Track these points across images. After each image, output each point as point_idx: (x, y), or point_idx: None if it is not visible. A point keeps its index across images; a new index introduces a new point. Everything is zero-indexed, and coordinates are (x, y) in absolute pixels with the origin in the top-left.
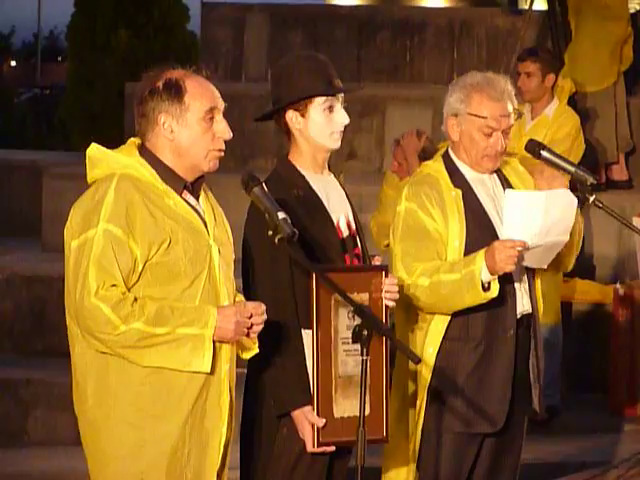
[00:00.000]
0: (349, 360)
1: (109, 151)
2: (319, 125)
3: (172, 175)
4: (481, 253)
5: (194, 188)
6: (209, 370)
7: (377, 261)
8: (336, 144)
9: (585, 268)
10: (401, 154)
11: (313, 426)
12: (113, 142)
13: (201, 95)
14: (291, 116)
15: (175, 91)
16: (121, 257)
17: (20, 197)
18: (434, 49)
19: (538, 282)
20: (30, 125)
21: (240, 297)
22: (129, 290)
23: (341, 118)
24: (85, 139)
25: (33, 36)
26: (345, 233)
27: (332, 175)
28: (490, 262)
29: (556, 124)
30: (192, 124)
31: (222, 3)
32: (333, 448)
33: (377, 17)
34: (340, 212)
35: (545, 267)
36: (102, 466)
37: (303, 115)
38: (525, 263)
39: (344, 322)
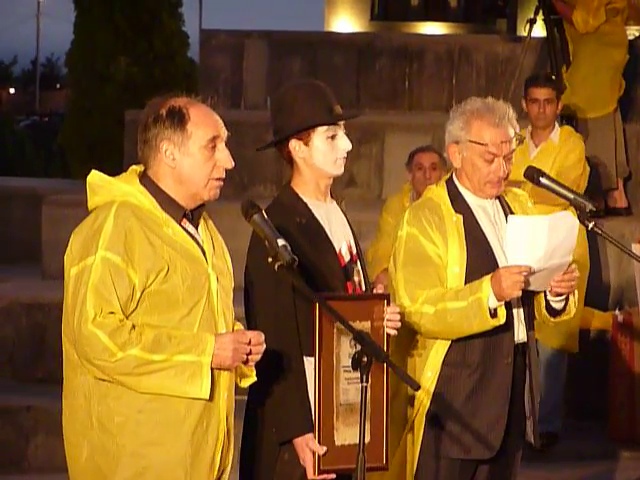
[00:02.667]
0: (350, 388)
1: (110, 178)
2: (323, 153)
3: (172, 203)
4: (487, 280)
5: (193, 216)
6: (207, 397)
7: (380, 289)
8: (340, 170)
9: (584, 295)
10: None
11: (314, 454)
12: (112, 170)
13: (204, 124)
14: (294, 145)
15: (178, 119)
16: (119, 285)
17: (20, 224)
18: (433, 76)
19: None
20: (29, 152)
21: (239, 325)
22: (127, 318)
23: (344, 145)
24: (84, 166)
25: (32, 64)
26: (347, 261)
27: (334, 202)
28: (497, 288)
29: (564, 149)
30: (194, 152)
31: (221, 30)
32: (334, 476)
33: (376, 44)
34: (342, 240)
35: (548, 289)
36: None
37: (307, 144)
38: (529, 287)
39: (346, 350)
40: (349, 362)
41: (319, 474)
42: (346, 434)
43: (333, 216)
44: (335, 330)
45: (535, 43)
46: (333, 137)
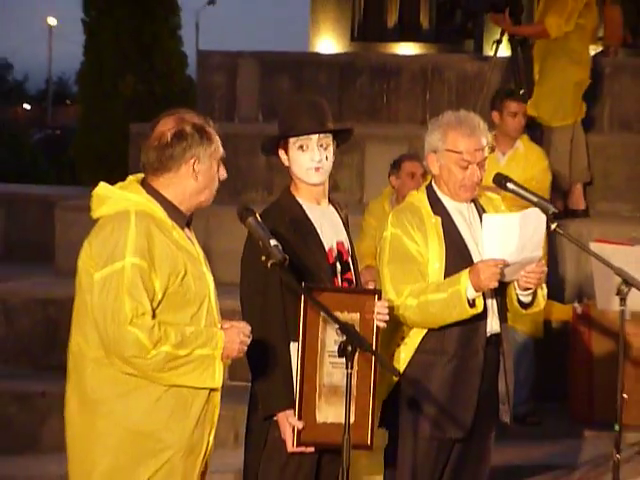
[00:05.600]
0: (335, 372)
1: (116, 189)
2: (295, 163)
3: (176, 211)
4: (465, 273)
5: (189, 222)
6: (220, 386)
7: (371, 285)
8: (311, 179)
9: (547, 289)
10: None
11: (294, 428)
12: (119, 178)
13: (218, 142)
14: (281, 154)
15: (206, 137)
16: (148, 287)
17: (34, 227)
18: (408, 92)
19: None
20: (42, 163)
21: (229, 321)
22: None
23: (309, 156)
24: (93, 175)
25: (45, 82)
26: (336, 259)
27: (331, 207)
28: (475, 280)
29: (531, 157)
30: (212, 167)
31: (216, 51)
32: (312, 449)
33: (356, 63)
34: (333, 239)
35: (517, 279)
36: (117, 470)
37: (287, 154)
38: (504, 279)
39: (332, 337)
40: (335, 348)
41: (298, 446)
42: (328, 413)
43: (327, 218)
44: (321, 318)
45: (501, 62)
46: (302, 149)
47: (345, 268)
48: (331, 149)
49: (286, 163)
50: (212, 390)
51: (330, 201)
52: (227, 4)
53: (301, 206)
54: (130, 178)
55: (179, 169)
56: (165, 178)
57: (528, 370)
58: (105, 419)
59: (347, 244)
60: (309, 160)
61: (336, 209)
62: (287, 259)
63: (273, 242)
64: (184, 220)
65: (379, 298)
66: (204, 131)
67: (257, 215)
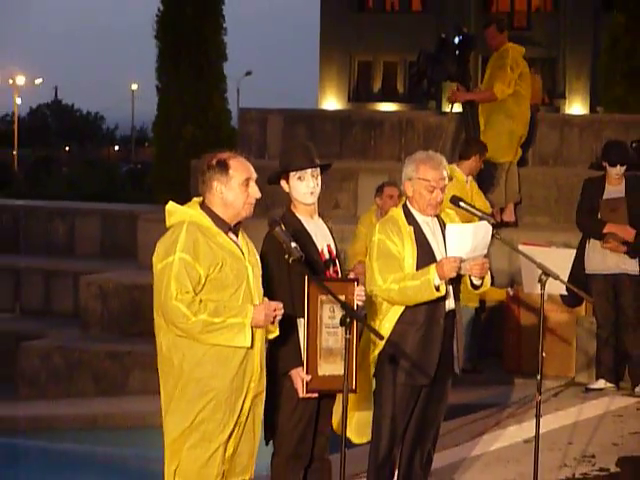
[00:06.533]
0: (330, 338)
1: (180, 206)
2: (295, 189)
3: (221, 221)
4: (433, 266)
5: (235, 229)
6: (249, 345)
7: (352, 275)
8: (307, 200)
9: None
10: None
11: (303, 380)
12: (183, 200)
13: (240, 169)
14: (282, 183)
15: (224, 167)
16: (191, 274)
17: (123, 234)
18: (389, 138)
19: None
20: (128, 188)
21: (265, 299)
22: (197, 295)
23: (305, 184)
24: (165, 197)
25: (130, 130)
26: (326, 257)
27: (321, 219)
28: (440, 272)
29: (475, 186)
30: (234, 188)
31: (252, 108)
32: (316, 395)
33: (352, 117)
34: (324, 243)
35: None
36: (179, 403)
37: (288, 183)
38: (460, 271)
39: (327, 313)
40: (329, 321)
41: (306, 393)
42: (326, 368)
43: (318, 228)
44: (319, 300)
45: (455, 116)
46: (300, 179)
47: (333, 264)
48: (319, 178)
49: (286, 190)
50: (249, 349)
51: (319, 215)
52: (260, 75)
53: (300, 220)
54: (194, 199)
55: (210, 190)
56: (207, 197)
57: (472, 335)
58: (175, 370)
59: (333, 246)
60: (305, 187)
61: (324, 221)
62: (303, 256)
63: (294, 245)
64: (227, 227)
65: (358, 285)
66: (225, 164)
67: (282, 225)
